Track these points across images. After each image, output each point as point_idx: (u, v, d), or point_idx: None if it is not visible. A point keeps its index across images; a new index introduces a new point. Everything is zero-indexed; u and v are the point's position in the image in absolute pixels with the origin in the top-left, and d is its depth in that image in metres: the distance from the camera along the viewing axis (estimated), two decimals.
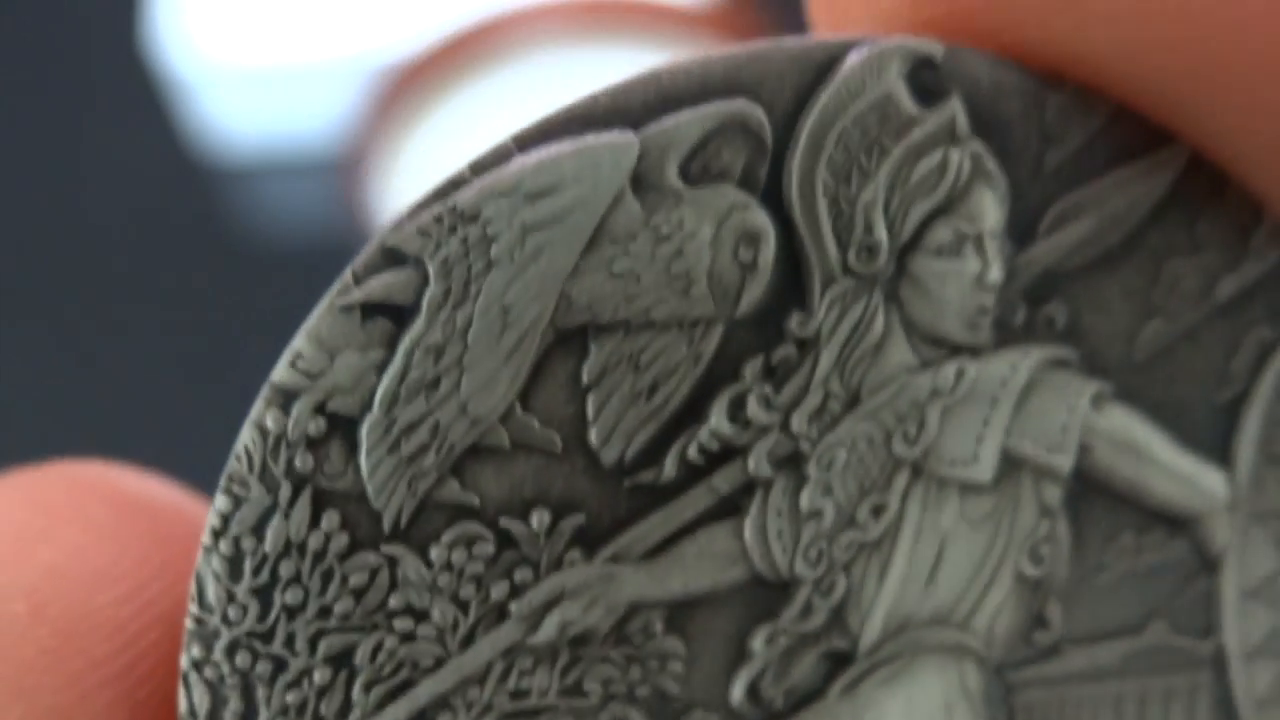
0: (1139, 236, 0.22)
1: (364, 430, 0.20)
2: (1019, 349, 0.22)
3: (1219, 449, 0.23)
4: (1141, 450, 0.22)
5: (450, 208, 0.20)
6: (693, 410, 0.21)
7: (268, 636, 0.20)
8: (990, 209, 0.21)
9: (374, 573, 0.21)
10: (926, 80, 0.21)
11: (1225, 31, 0.20)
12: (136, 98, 0.89)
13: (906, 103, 0.21)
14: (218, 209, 0.91)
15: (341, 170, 0.87)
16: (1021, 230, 0.22)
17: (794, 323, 0.21)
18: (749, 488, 0.21)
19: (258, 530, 0.20)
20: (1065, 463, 0.22)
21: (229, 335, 0.85)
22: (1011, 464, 0.22)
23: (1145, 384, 0.22)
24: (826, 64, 0.21)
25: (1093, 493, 0.22)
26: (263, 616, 0.20)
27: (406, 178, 0.84)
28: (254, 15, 0.86)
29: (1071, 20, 0.21)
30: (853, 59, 0.21)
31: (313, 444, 0.20)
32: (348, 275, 0.20)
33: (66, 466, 0.22)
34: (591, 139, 0.20)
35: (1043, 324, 0.22)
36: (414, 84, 0.83)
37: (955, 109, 0.21)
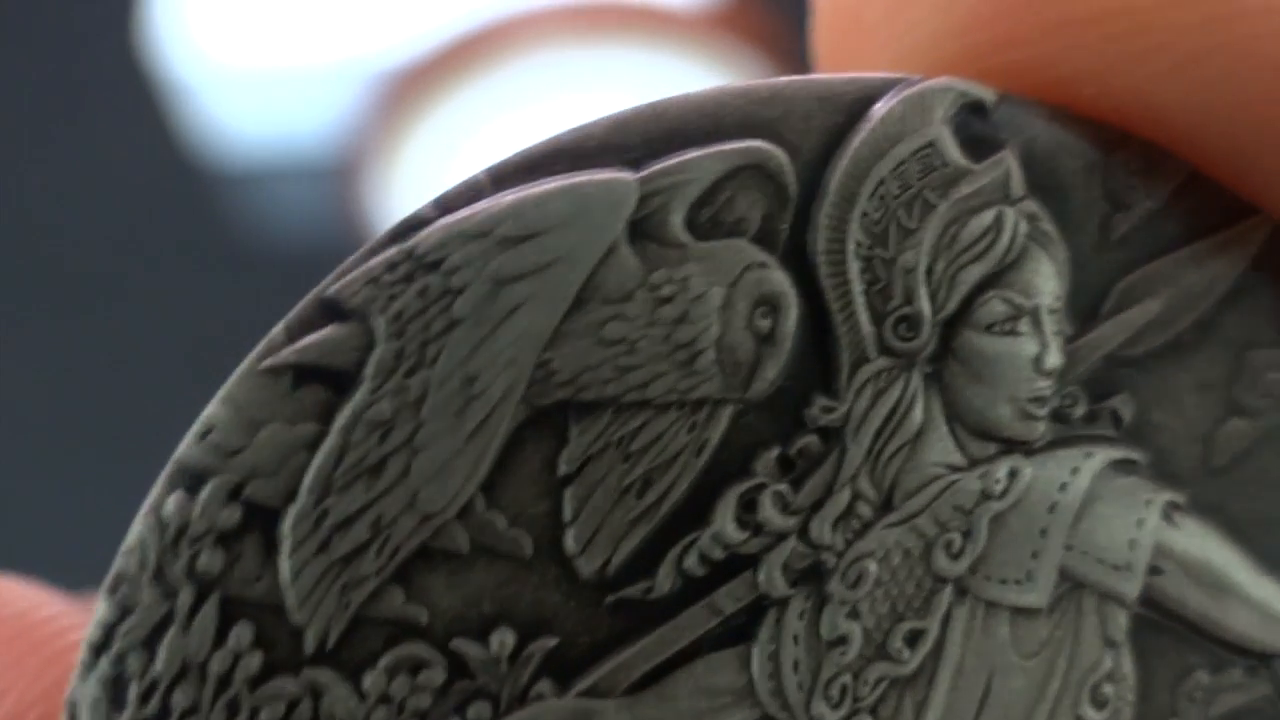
0: (1214, 322, 0.19)
1: (287, 524, 0.16)
2: (1079, 448, 0.18)
3: None
4: (1219, 576, 0.19)
5: (407, 252, 0.17)
6: (693, 511, 0.17)
7: None
8: (1048, 280, 0.18)
9: (292, 705, 0.17)
10: (975, 129, 0.18)
11: None
12: (135, 101, 0.88)
13: (954, 152, 0.18)
14: (216, 213, 0.91)
15: (341, 174, 0.86)
16: (1082, 308, 0.18)
17: (817, 408, 0.17)
18: (759, 608, 0.17)
19: (149, 645, 0.16)
20: (1133, 587, 0.18)
21: (228, 339, 0.87)
22: (1070, 586, 0.18)
23: (1223, 494, 0.19)
24: (860, 103, 0.18)
25: (1159, 623, 0.19)
26: None
27: (405, 182, 0.84)
28: (253, 19, 0.86)
29: (1143, 73, 0.18)
30: (891, 99, 0.18)
31: (223, 539, 0.16)
32: (278, 331, 0.17)
33: None
34: (582, 178, 0.17)
35: (1106, 420, 0.18)
36: (414, 88, 0.83)
37: (1009, 162, 0.18)
